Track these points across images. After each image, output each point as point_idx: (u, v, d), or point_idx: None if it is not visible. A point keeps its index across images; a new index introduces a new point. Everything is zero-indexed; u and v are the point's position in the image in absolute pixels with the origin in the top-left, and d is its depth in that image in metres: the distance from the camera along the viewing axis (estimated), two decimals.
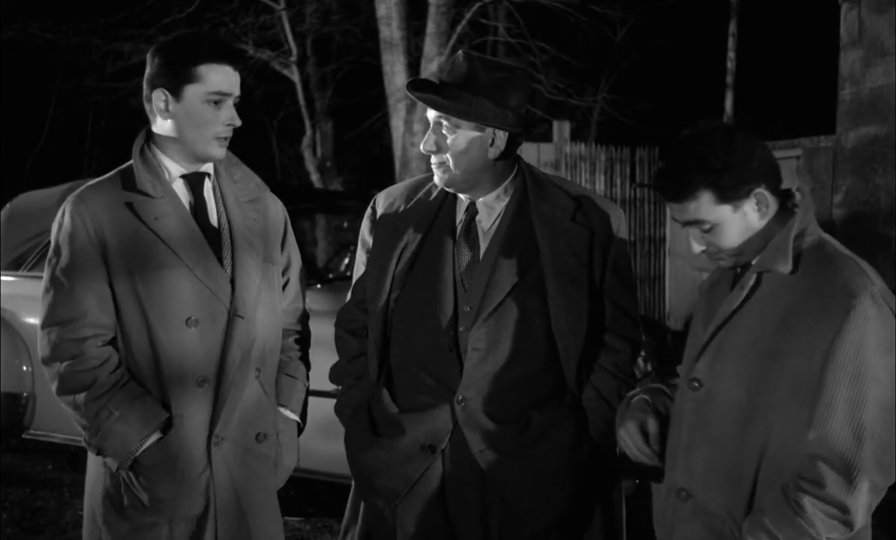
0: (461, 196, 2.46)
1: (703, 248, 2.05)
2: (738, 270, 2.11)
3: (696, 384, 2.07)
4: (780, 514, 1.90)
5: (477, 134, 2.35)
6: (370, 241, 2.53)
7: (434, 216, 2.46)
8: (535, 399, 2.40)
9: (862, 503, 1.87)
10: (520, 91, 2.38)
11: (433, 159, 2.40)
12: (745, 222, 2.00)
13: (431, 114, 2.39)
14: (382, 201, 2.55)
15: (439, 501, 2.40)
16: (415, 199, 2.50)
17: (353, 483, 2.59)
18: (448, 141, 2.36)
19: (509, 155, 2.41)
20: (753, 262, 2.05)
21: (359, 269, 2.57)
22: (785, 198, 2.05)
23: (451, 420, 2.38)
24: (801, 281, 1.96)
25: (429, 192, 2.49)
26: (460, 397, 2.37)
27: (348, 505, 2.61)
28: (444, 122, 2.36)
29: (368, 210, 2.57)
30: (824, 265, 1.95)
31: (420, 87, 2.41)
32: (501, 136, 2.37)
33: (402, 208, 2.49)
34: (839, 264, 1.94)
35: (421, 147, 2.43)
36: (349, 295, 2.60)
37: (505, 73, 2.37)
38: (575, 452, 2.40)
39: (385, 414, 2.44)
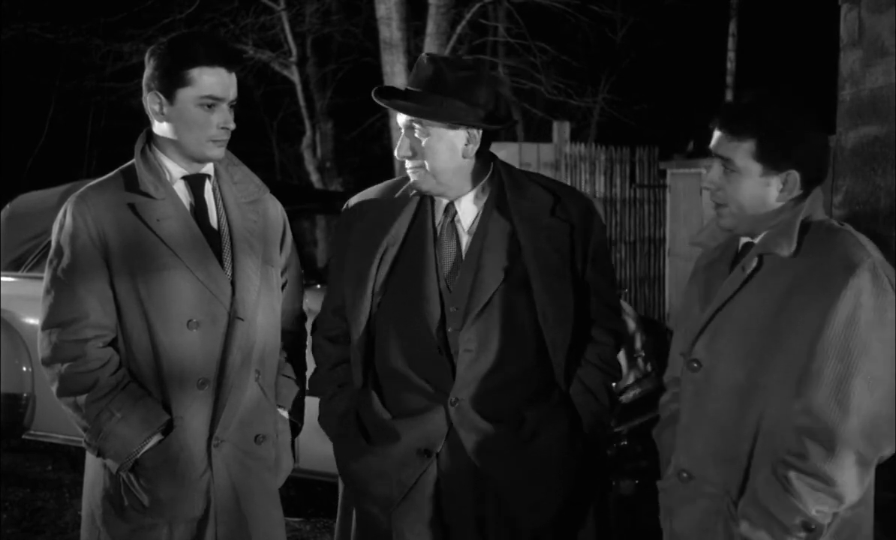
0: (437, 197, 2.45)
1: (715, 187, 2.05)
2: (739, 250, 2.11)
3: (696, 365, 2.07)
4: (771, 491, 1.91)
5: (450, 134, 2.35)
6: (345, 247, 2.50)
7: (412, 218, 2.45)
8: (527, 396, 2.39)
9: (850, 476, 1.87)
10: (487, 87, 2.38)
11: (408, 165, 2.39)
12: (763, 191, 2.01)
13: (402, 119, 2.37)
14: (355, 207, 2.53)
15: (434, 505, 2.39)
16: (391, 201, 2.48)
17: (340, 489, 2.57)
18: (423, 144, 2.35)
19: (483, 153, 2.41)
20: (756, 243, 2.05)
21: (335, 275, 2.54)
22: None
23: (445, 422, 2.37)
24: (802, 260, 1.97)
25: (405, 194, 2.47)
26: (454, 399, 2.36)
27: (339, 513, 2.57)
28: (417, 126, 2.35)
29: (342, 217, 2.55)
30: (822, 241, 1.97)
31: (387, 95, 2.41)
32: (475, 134, 2.37)
33: (378, 212, 2.47)
34: (836, 239, 1.96)
35: (395, 154, 2.41)
36: (324, 302, 2.57)
37: (470, 71, 2.38)
38: (569, 449, 2.40)
39: (376, 420, 2.42)
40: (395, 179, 2.58)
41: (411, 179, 2.42)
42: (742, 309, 2.02)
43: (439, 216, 2.44)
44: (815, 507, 1.89)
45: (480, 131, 2.37)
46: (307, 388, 2.59)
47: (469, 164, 2.39)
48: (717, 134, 2.04)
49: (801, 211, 2.00)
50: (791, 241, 1.97)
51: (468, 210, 2.43)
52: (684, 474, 2.09)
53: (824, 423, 1.87)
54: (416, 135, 2.35)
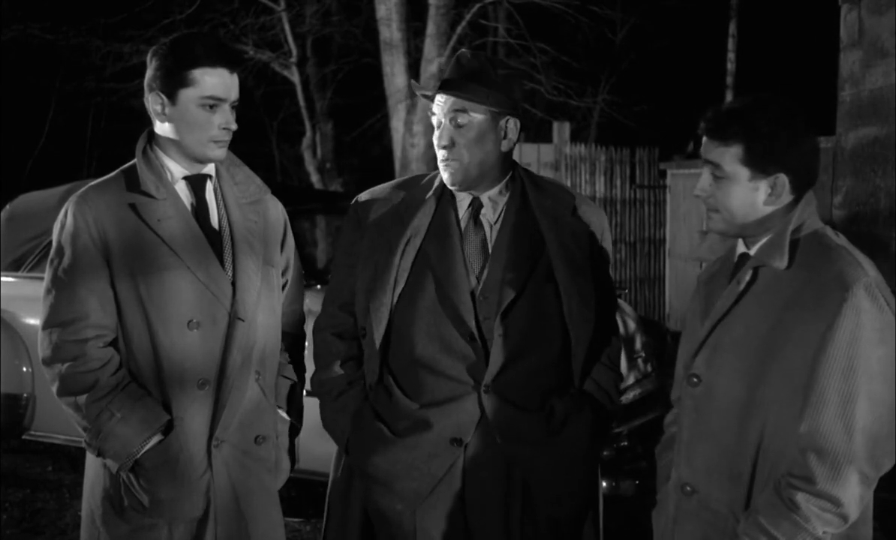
0: (459, 193, 2.47)
1: (706, 194, 2.05)
2: (736, 260, 2.11)
3: (696, 380, 2.07)
4: (775, 512, 1.90)
5: (492, 125, 2.40)
6: (358, 242, 2.50)
7: (433, 212, 2.47)
8: (555, 387, 2.43)
9: (853, 495, 1.87)
10: (520, 87, 2.48)
11: (444, 154, 2.40)
12: (752, 196, 2.00)
13: (443, 110, 2.40)
14: (366, 202, 2.54)
15: (459, 497, 2.39)
16: (408, 197, 2.50)
17: (328, 497, 2.55)
18: (464, 134, 2.38)
19: (510, 152, 2.47)
20: (752, 254, 2.05)
21: (340, 271, 2.54)
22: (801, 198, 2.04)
23: (478, 410, 2.37)
24: (797, 274, 1.96)
25: (423, 190, 2.50)
26: (486, 386, 2.37)
27: (331, 518, 2.54)
28: (461, 116, 2.38)
29: (350, 213, 2.55)
30: (818, 257, 1.96)
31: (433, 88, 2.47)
32: (513, 127, 2.42)
33: (395, 207, 2.49)
34: (833, 255, 1.94)
35: (435, 142, 2.43)
36: (328, 298, 2.56)
37: (509, 68, 2.47)
38: (592, 442, 2.45)
39: (402, 412, 2.41)
40: (405, 178, 2.61)
41: (443, 172, 2.43)
42: (739, 323, 2.01)
43: (462, 210, 2.47)
44: (823, 528, 1.88)
45: (518, 125, 2.43)
46: (310, 387, 2.57)
47: (500, 160, 2.44)
48: (704, 140, 2.04)
49: (792, 220, 1.99)
50: (783, 253, 1.97)
51: (493, 205, 2.47)
52: (688, 488, 2.08)
53: (830, 444, 1.86)
54: (460, 125, 2.39)
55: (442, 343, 2.39)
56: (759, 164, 1.98)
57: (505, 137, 2.41)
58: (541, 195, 2.47)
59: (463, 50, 2.48)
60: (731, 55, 13.70)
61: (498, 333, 2.37)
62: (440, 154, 2.42)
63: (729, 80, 13.67)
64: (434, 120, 2.44)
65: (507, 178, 2.48)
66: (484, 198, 2.46)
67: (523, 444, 2.38)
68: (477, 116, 2.38)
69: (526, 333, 2.39)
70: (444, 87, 2.40)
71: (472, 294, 2.40)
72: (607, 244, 2.55)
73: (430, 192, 2.48)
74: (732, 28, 13.75)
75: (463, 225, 2.46)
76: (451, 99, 2.38)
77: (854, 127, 6.41)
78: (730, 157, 1.99)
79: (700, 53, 14.59)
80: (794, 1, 14.29)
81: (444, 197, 2.48)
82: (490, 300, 2.39)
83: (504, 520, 2.40)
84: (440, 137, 2.41)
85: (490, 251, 2.43)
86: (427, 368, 2.40)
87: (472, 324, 2.38)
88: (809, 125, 2.01)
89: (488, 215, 2.46)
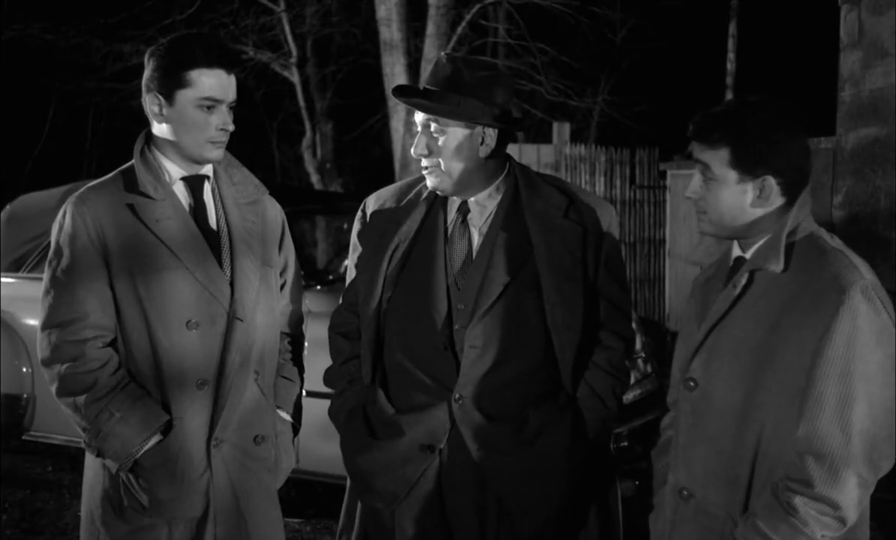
0: (451, 196, 2.46)
1: (697, 195, 2.05)
2: (732, 264, 2.10)
3: (692, 384, 2.07)
4: (773, 515, 1.90)
5: (466, 133, 2.36)
6: (361, 244, 2.53)
7: (424, 216, 2.46)
8: (532, 396, 2.40)
9: (851, 498, 1.87)
10: (504, 88, 2.39)
11: (424, 163, 2.40)
12: (740, 199, 2.00)
13: (420, 117, 2.39)
14: (372, 204, 2.55)
15: (437, 501, 2.40)
16: (405, 200, 2.50)
17: (348, 486, 2.59)
18: (439, 143, 2.36)
19: (499, 153, 2.42)
20: (747, 258, 2.04)
21: (351, 272, 2.57)
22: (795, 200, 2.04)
23: (448, 419, 2.38)
24: (793, 277, 1.96)
25: (419, 193, 2.49)
26: (457, 396, 2.37)
27: (343, 509, 2.61)
28: (434, 125, 2.36)
29: (359, 213, 2.57)
30: (814, 260, 1.95)
31: (406, 93, 2.43)
32: (491, 134, 2.37)
33: (392, 210, 2.49)
34: (829, 259, 1.94)
35: (411, 151, 2.43)
36: (342, 298, 2.61)
37: (489, 71, 2.38)
38: (571, 451, 2.39)
39: (382, 416, 2.44)
40: (410, 179, 2.59)
41: (427, 179, 2.43)
42: (736, 327, 2.01)
43: (451, 215, 2.46)
44: (821, 532, 1.88)
45: (496, 131, 2.38)
46: (323, 381, 2.60)
47: (484, 163, 2.40)
48: (693, 143, 2.04)
49: (787, 223, 1.98)
50: (779, 257, 1.96)
51: (481, 209, 2.44)
52: (685, 492, 2.08)
53: (828, 447, 1.86)
54: (433, 133, 2.37)
55: (418, 350, 2.40)
56: (746, 166, 1.97)
57: (482, 143, 2.37)
58: (532, 197, 2.42)
59: (442, 54, 2.45)
60: (731, 55, 13.69)
61: (469, 344, 2.36)
62: (421, 162, 2.41)
63: (729, 80, 13.66)
64: (418, 124, 2.43)
65: (500, 179, 2.45)
66: (471, 202, 2.44)
67: (495, 453, 2.36)
68: (449, 128, 2.35)
69: (502, 341, 2.36)
70: (418, 95, 2.38)
71: (450, 301, 2.39)
72: (609, 242, 2.45)
73: (425, 196, 2.47)
74: (732, 28, 13.74)
75: (450, 229, 2.44)
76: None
77: (854, 127, 6.41)
78: (718, 159, 1.99)
79: (700, 53, 14.58)
80: (794, 1, 14.29)
81: (438, 200, 2.48)
82: (466, 309, 2.38)
83: (480, 527, 2.39)
84: (415, 146, 2.40)
85: (473, 257, 2.41)
86: (404, 374, 2.43)
87: (446, 333, 2.38)
88: (799, 126, 2.01)
89: (475, 219, 2.43)
